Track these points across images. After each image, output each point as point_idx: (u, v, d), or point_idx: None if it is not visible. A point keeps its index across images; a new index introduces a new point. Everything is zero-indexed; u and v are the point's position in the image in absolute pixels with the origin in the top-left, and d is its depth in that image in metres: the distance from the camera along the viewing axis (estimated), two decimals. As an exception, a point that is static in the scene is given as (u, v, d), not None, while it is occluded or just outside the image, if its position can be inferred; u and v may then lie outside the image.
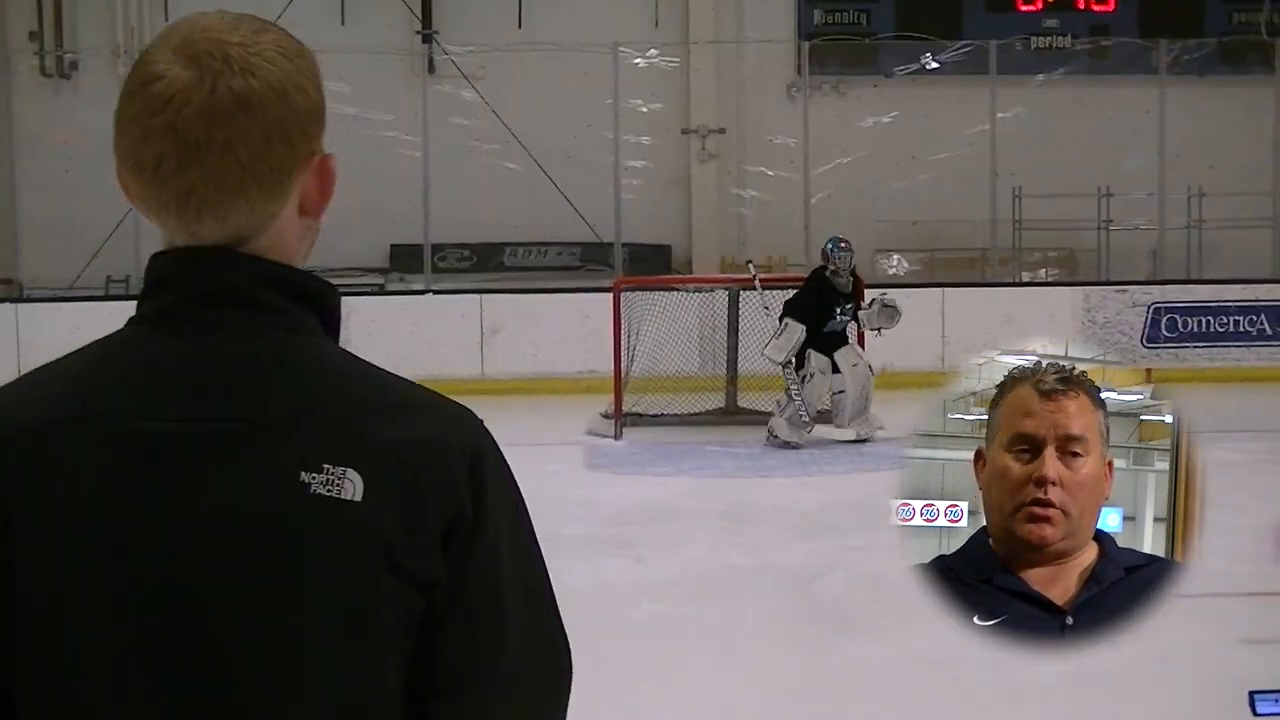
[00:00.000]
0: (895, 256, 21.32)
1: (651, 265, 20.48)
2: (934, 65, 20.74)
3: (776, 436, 13.03)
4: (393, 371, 1.57)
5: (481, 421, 1.59)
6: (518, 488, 1.60)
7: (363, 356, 1.57)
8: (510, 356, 17.43)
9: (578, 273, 21.02)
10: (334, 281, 1.55)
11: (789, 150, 20.22)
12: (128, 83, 1.51)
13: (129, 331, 1.54)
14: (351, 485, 1.46)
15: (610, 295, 14.93)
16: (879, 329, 13.39)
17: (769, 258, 21.20)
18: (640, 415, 14.30)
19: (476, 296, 17.93)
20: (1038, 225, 20.58)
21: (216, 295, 1.51)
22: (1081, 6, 21.76)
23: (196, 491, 1.46)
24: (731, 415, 14.34)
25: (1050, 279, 20.71)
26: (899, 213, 20.85)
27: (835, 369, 13.10)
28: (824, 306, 13.15)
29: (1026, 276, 20.59)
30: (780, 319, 13.13)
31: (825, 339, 13.18)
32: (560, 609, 1.61)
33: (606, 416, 13.82)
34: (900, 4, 21.59)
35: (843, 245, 13.35)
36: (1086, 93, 21.37)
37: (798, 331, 13.00)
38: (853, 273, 13.44)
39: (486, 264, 21.46)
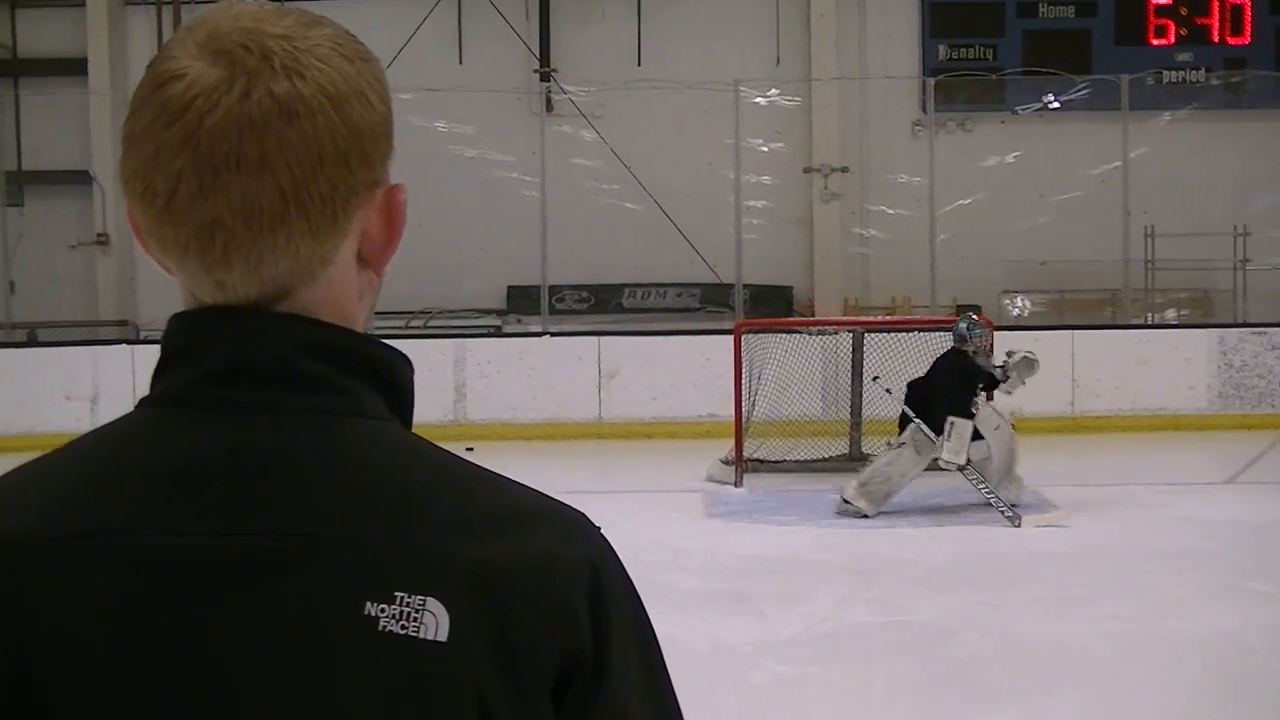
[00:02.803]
0: (1020, 298, 20.93)
1: (773, 307, 20.26)
2: (1055, 105, 20.44)
3: (848, 503, 12.15)
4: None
5: (599, 529, 1.24)
6: (645, 612, 1.25)
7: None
8: (628, 400, 17.23)
9: (697, 314, 20.88)
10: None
11: (912, 189, 19.93)
12: (139, 87, 1.17)
13: (141, 417, 1.19)
14: (433, 620, 1.11)
15: (731, 337, 14.71)
16: (1013, 387, 12.37)
17: (893, 299, 20.90)
18: (761, 461, 14.01)
19: (594, 339, 17.75)
20: (1171, 265, 20.08)
21: (251, 370, 1.16)
22: (1216, 40, 21.26)
23: (225, 628, 1.11)
24: (856, 461, 13.94)
25: (1184, 321, 20.16)
26: (1025, 252, 20.53)
27: (978, 434, 12.26)
28: (971, 392, 12.19)
29: (1157, 318, 20.08)
30: (944, 419, 12.19)
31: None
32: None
33: (727, 463, 13.53)
34: (1027, 38, 21.24)
35: (981, 323, 12.55)
36: (1221, 128, 20.98)
37: (967, 429, 11.99)
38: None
39: (604, 305, 21.38)
